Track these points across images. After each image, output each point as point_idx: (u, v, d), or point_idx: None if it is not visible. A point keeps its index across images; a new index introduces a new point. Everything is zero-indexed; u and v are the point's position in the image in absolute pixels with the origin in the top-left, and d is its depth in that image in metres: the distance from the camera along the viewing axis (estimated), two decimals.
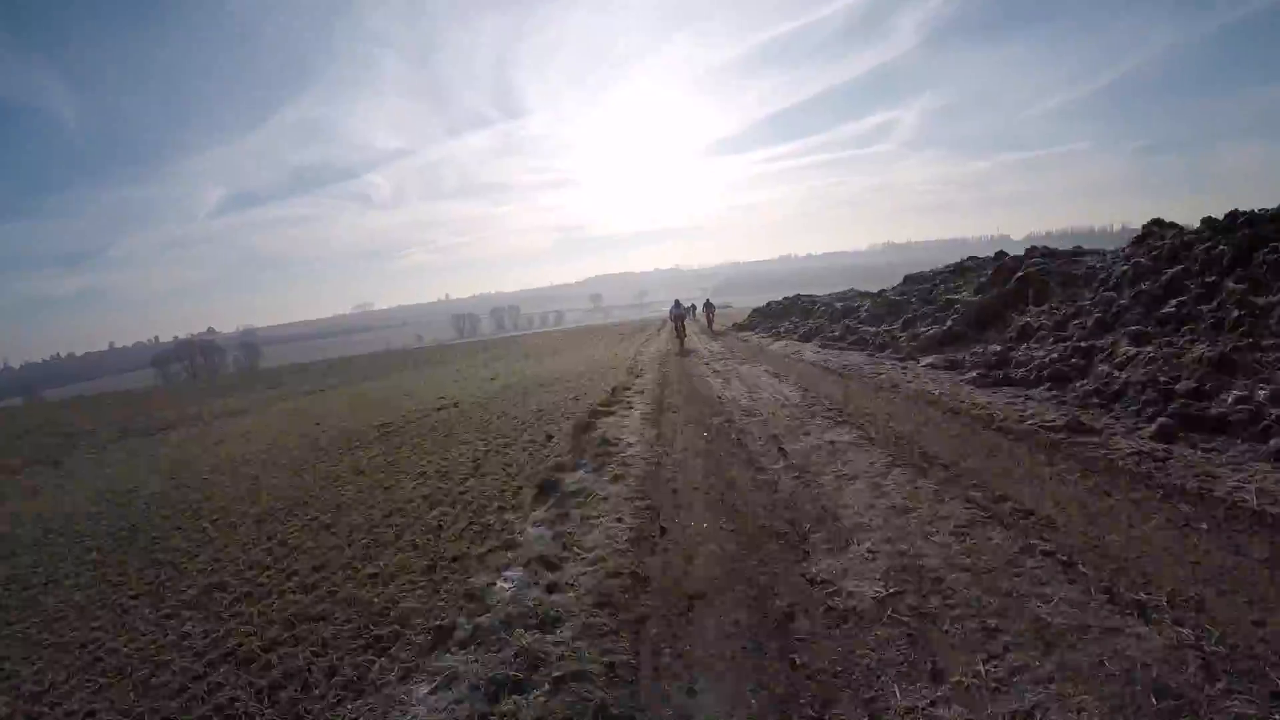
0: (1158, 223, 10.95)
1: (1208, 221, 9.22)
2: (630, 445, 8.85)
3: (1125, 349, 8.10)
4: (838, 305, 26.89)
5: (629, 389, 15.36)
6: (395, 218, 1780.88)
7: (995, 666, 3.19)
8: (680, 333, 30.84)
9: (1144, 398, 6.93)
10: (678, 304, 32.58)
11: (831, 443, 8.05)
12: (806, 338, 23.85)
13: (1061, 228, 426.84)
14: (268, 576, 6.29)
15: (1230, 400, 6.15)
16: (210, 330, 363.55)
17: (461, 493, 7.97)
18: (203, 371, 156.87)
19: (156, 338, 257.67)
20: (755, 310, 40.09)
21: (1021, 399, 8.55)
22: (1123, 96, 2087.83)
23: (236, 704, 4.09)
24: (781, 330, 28.97)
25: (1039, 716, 2.84)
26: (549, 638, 3.93)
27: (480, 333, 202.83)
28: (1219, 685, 2.89)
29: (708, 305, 42.88)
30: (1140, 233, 11.26)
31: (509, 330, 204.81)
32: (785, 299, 37.17)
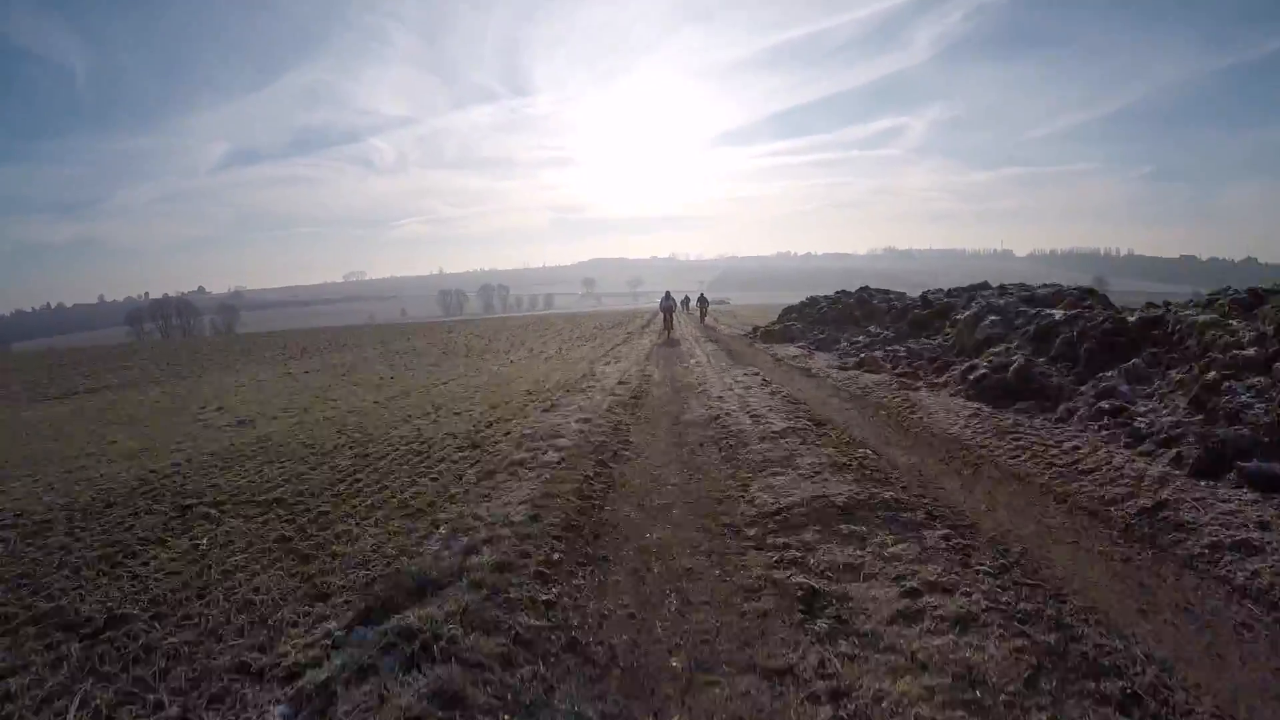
0: None
1: None
2: None
3: None
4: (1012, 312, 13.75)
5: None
6: (395, 184, 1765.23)
7: None
8: (668, 325, 31.21)
9: None
10: (668, 295, 32.51)
11: None
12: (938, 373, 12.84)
13: (1066, 247, 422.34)
14: None
15: None
16: (200, 289, 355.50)
17: None
18: (176, 332, 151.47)
19: (147, 293, 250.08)
20: (790, 310, 29.79)
21: None
22: (1130, 123, 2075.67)
23: None
24: (847, 347, 19.15)
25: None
26: None
27: (466, 311, 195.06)
28: None
29: (701, 299, 40.85)
30: None
31: (496, 311, 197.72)
32: (839, 294, 26.32)
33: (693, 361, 19.00)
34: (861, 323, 21.16)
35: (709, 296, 43.50)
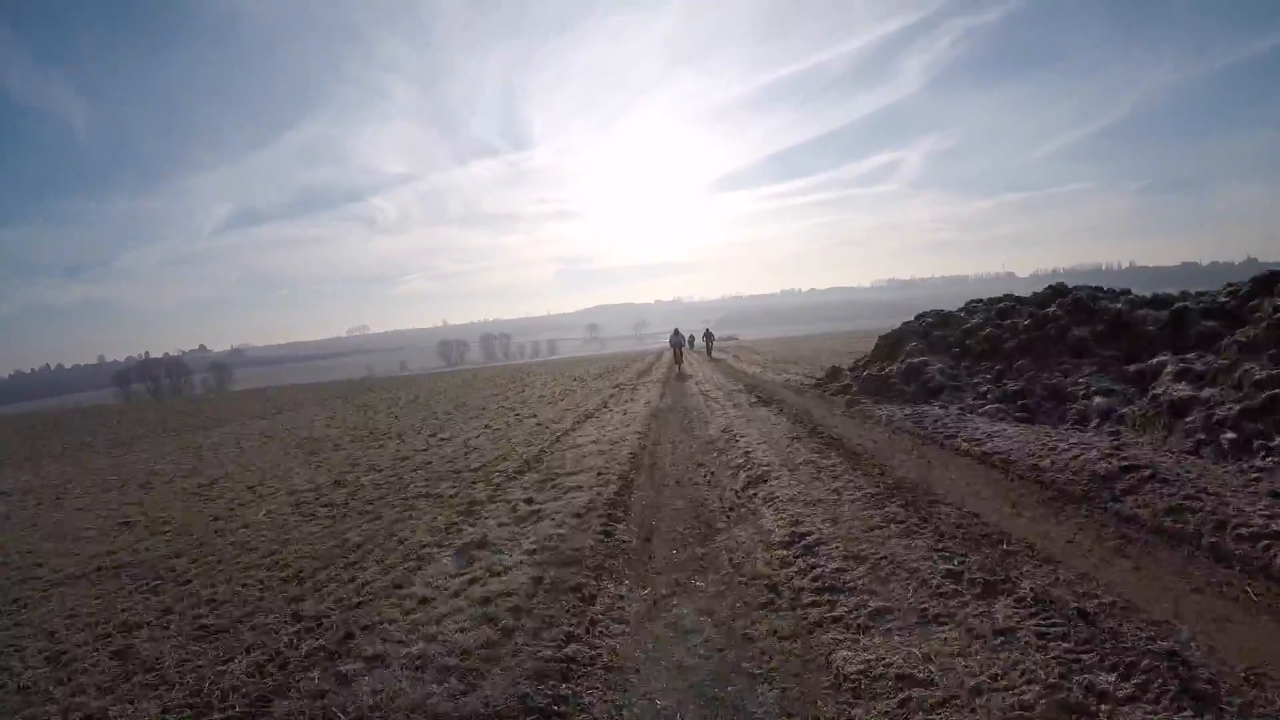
0: None
1: None
2: None
3: None
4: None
5: None
6: (399, 243, 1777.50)
7: None
8: (678, 359, 31.42)
9: None
10: (677, 332, 32.59)
11: None
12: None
13: (1069, 265, 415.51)
14: None
15: None
16: (202, 347, 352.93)
17: None
18: (167, 392, 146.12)
19: (147, 353, 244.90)
20: (904, 335, 14.61)
21: None
22: (1124, 138, 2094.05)
23: None
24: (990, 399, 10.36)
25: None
26: None
27: (468, 360, 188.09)
28: None
29: (707, 334, 41.68)
30: None
31: (498, 359, 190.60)
32: (1006, 302, 14.09)
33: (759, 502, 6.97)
34: (1094, 349, 10.27)
35: (715, 333, 43.97)
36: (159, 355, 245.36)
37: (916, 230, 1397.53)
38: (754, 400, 14.16)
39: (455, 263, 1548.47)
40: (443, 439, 13.55)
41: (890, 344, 14.21)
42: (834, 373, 16.17)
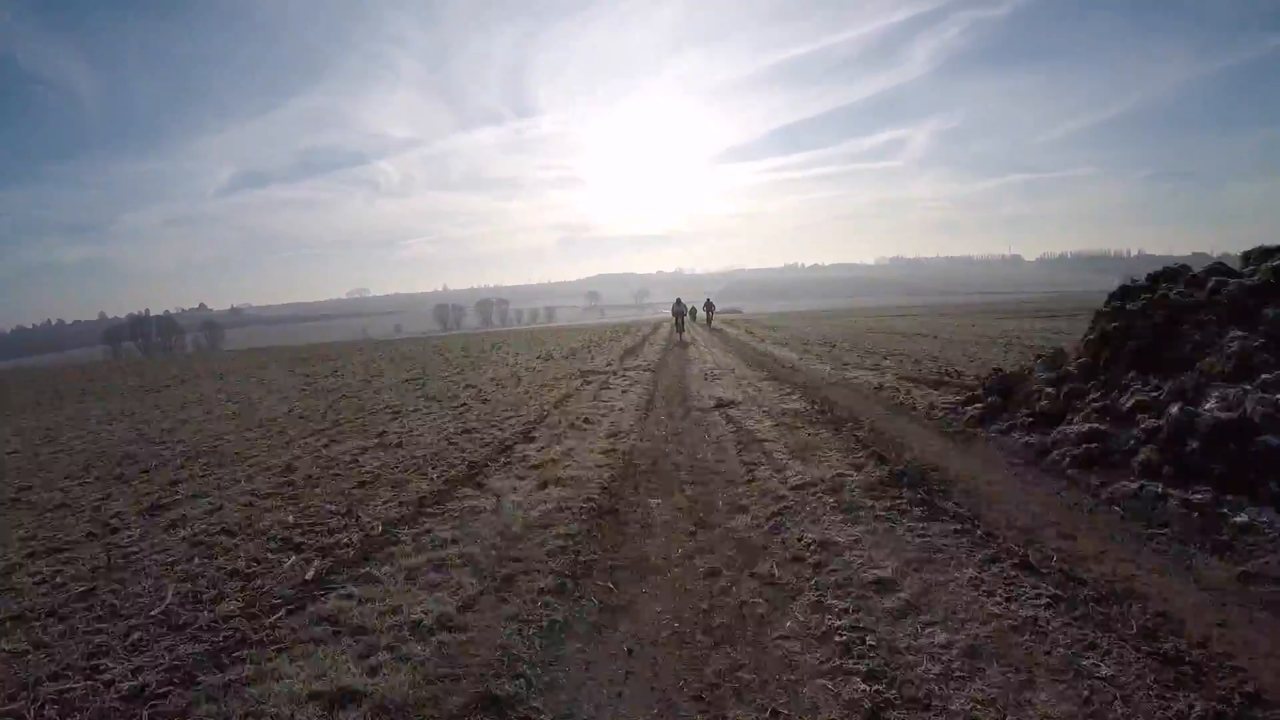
0: None
1: None
2: None
3: None
4: None
5: None
6: (402, 206, 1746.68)
7: None
8: (680, 327, 32.08)
9: None
10: (679, 302, 34.08)
11: None
12: None
13: (1076, 249, 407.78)
14: None
15: None
16: (202, 306, 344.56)
17: None
18: (158, 349, 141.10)
19: (147, 310, 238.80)
20: (1127, 324, 6.85)
21: None
22: (1131, 128, 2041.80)
23: None
24: None
25: None
26: None
27: (464, 326, 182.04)
28: None
29: (708, 305, 43.21)
30: None
31: (494, 325, 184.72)
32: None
33: None
34: None
35: (716, 304, 45.50)
36: (159, 313, 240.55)
37: (920, 207, 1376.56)
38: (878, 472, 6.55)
39: (458, 228, 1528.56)
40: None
41: (1096, 332, 7.38)
42: (1005, 386, 8.06)
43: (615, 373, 14.45)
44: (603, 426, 8.70)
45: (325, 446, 8.62)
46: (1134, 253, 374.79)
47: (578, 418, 9.28)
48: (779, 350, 19.58)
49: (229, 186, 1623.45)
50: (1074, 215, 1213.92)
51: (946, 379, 11.31)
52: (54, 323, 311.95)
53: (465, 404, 11.53)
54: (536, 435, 8.39)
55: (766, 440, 7.40)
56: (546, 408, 10.39)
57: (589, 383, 13.19)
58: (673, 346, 23.34)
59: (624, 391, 11.86)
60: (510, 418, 9.75)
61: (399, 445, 8.42)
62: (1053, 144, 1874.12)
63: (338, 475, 7.01)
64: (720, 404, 10.08)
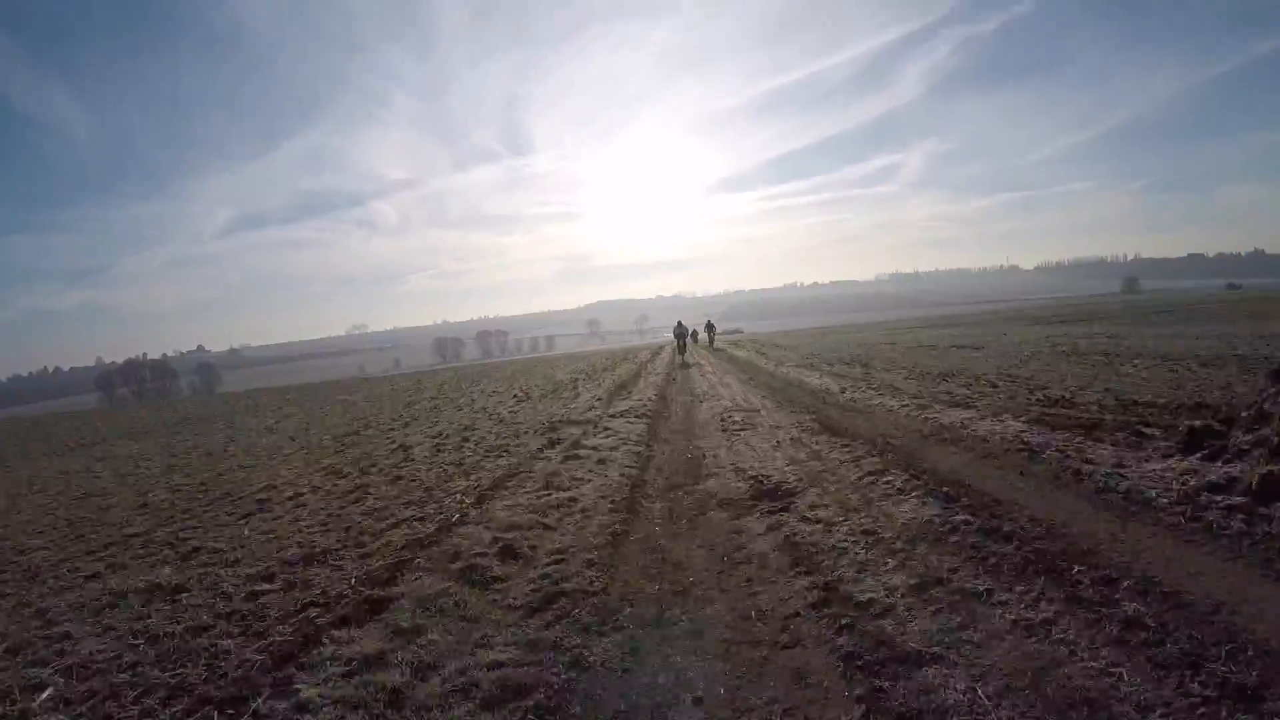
0: None
1: None
2: None
3: None
4: None
5: None
6: (400, 244, 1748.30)
7: None
8: (681, 349, 31.96)
9: None
10: (680, 324, 34.68)
11: None
12: None
13: (1074, 258, 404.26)
14: None
15: None
16: (200, 348, 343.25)
17: None
18: (152, 394, 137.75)
19: (144, 354, 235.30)
20: None
21: None
22: (1124, 141, 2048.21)
23: None
24: None
25: None
26: None
27: (464, 358, 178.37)
28: None
29: (709, 326, 41.96)
30: None
31: (494, 355, 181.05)
32: None
33: None
34: None
35: (717, 325, 43.96)
36: (156, 356, 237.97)
37: (915, 228, 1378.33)
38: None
39: (456, 262, 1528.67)
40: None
41: None
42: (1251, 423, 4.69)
43: (596, 423, 10.31)
44: (524, 582, 4.30)
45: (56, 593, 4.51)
46: (1130, 257, 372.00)
47: (489, 548, 4.91)
48: (808, 376, 15.40)
49: (227, 228, 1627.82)
50: (1070, 228, 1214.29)
51: (1089, 416, 7.17)
52: (51, 370, 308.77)
53: (358, 489, 7.38)
54: (374, 617, 4.11)
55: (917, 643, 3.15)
56: (455, 512, 6.01)
57: (554, 444, 8.97)
58: (675, 377, 19.36)
59: (600, 462, 7.59)
60: (368, 547, 5.39)
61: (173, 595, 4.33)
62: (1046, 161, 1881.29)
63: None
64: (760, 490, 5.85)
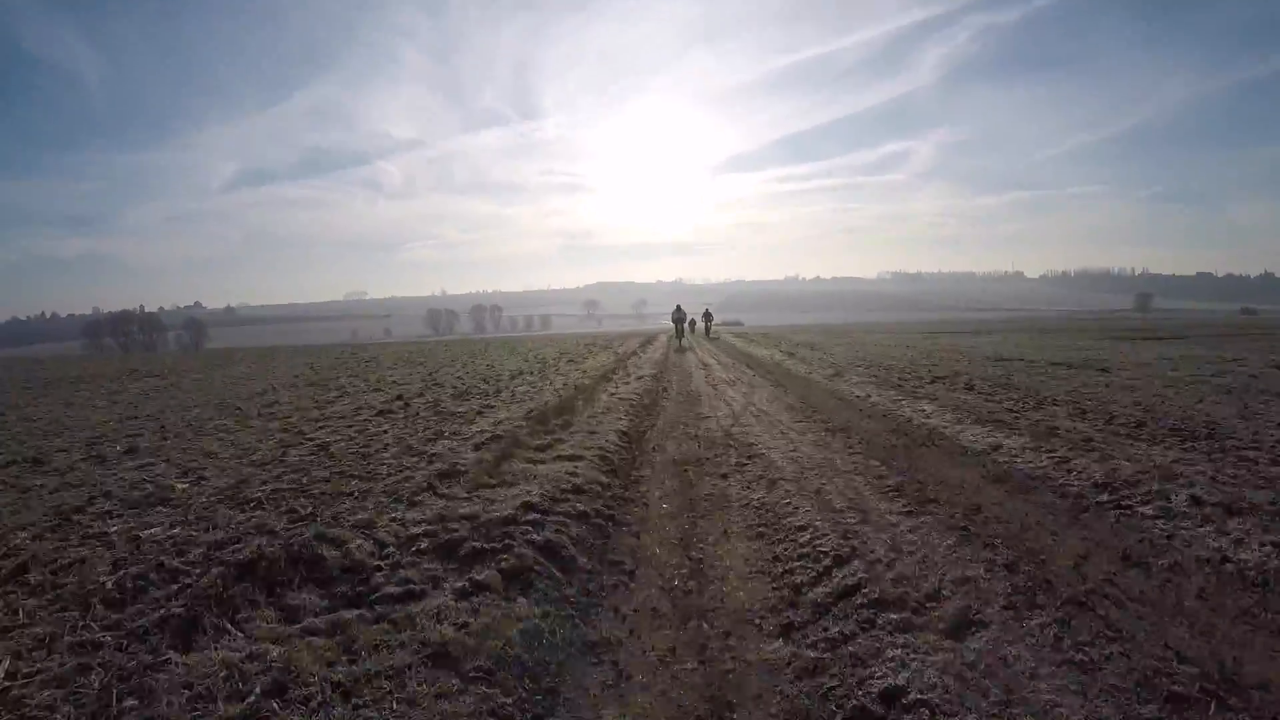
0: None
1: None
2: None
3: None
4: None
5: None
6: (405, 208, 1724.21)
7: None
8: (679, 334, 33.24)
9: None
10: (679, 309, 34.78)
11: None
12: None
13: (1080, 268, 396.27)
14: None
15: None
16: (197, 304, 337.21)
17: None
18: (138, 346, 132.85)
19: (142, 306, 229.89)
20: None
21: None
22: (1135, 145, 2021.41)
23: None
24: None
25: None
26: None
27: (456, 331, 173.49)
28: None
29: (706, 315, 41.87)
30: None
31: (487, 331, 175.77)
32: None
33: None
34: None
35: (715, 315, 43.72)
36: (153, 309, 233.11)
37: (922, 222, 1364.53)
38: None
39: (459, 232, 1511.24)
40: None
41: None
42: None
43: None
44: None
45: None
46: (1138, 271, 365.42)
47: None
48: (914, 409, 9.50)
49: (232, 183, 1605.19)
50: (1076, 233, 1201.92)
51: None
52: (48, 315, 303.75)
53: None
54: None
55: None
56: None
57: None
58: (670, 379, 13.77)
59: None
60: None
61: None
62: (1056, 160, 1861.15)
63: None
64: None
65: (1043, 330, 40.26)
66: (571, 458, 6.13)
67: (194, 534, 4.09)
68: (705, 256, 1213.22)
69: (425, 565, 3.63)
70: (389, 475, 5.44)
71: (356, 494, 4.89)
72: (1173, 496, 4.44)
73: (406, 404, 9.85)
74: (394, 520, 4.24)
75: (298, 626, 2.96)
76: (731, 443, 7.51)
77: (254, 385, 14.81)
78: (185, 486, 5.28)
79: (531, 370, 15.28)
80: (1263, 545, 3.60)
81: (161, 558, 3.63)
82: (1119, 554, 3.69)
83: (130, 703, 2.42)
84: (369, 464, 5.91)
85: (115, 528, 4.28)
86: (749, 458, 6.69)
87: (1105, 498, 4.63)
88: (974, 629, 2.91)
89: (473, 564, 3.64)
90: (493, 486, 5.09)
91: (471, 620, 3.01)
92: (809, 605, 3.33)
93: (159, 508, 4.74)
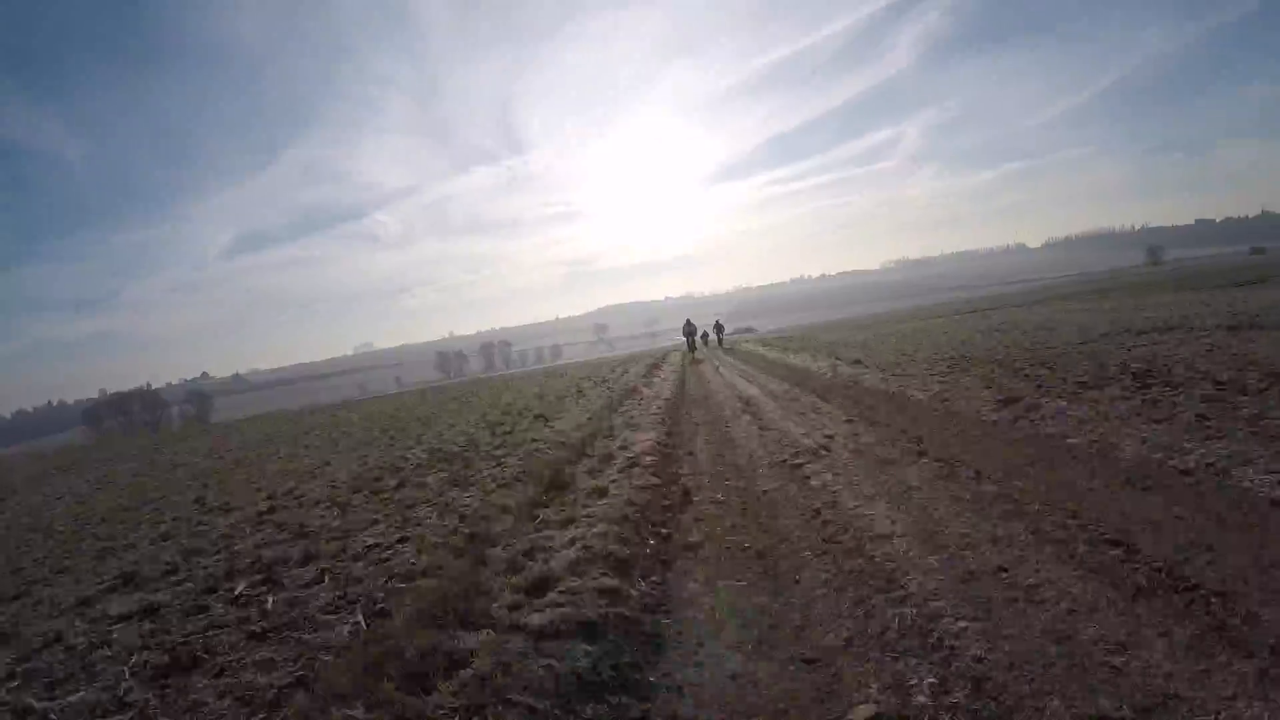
0: None
1: None
2: None
3: None
4: None
5: None
6: (404, 256, 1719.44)
7: None
8: (691, 348, 32.99)
9: None
10: (689, 323, 34.69)
11: None
12: None
13: (1080, 231, 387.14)
14: None
15: None
16: (204, 375, 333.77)
17: None
18: (142, 426, 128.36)
19: (149, 384, 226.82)
20: None
21: None
22: (1121, 101, 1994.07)
23: None
24: None
25: None
26: None
27: (466, 372, 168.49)
28: None
29: (717, 326, 41.24)
30: None
31: (498, 368, 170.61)
32: None
33: None
34: None
35: (726, 325, 42.88)
36: (160, 385, 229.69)
37: (918, 206, 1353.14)
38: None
39: (462, 272, 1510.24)
40: None
41: None
42: None
43: None
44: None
45: None
46: (1137, 226, 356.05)
47: None
48: None
49: (230, 249, 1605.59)
50: (1074, 197, 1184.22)
51: None
52: (54, 403, 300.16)
53: None
54: None
55: None
56: None
57: None
58: (696, 448, 7.73)
59: None
60: None
61: None
62: (1045, 125, 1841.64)
63: None
64: None
65: (1097, 293, 34.01)
66: None
67: None
68: (709, 268, 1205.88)
69: None
70: None
71: None
72: None
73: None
74: None
75: None
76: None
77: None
78: None
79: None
80: None
81: None
82: None
83: None
84: None
85: None
86: None
87: None
88: None
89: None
90: None
91: None
92: None
93: None
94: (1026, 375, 8.55)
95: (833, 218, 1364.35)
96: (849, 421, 7.71)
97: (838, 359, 15.15)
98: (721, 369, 18.94)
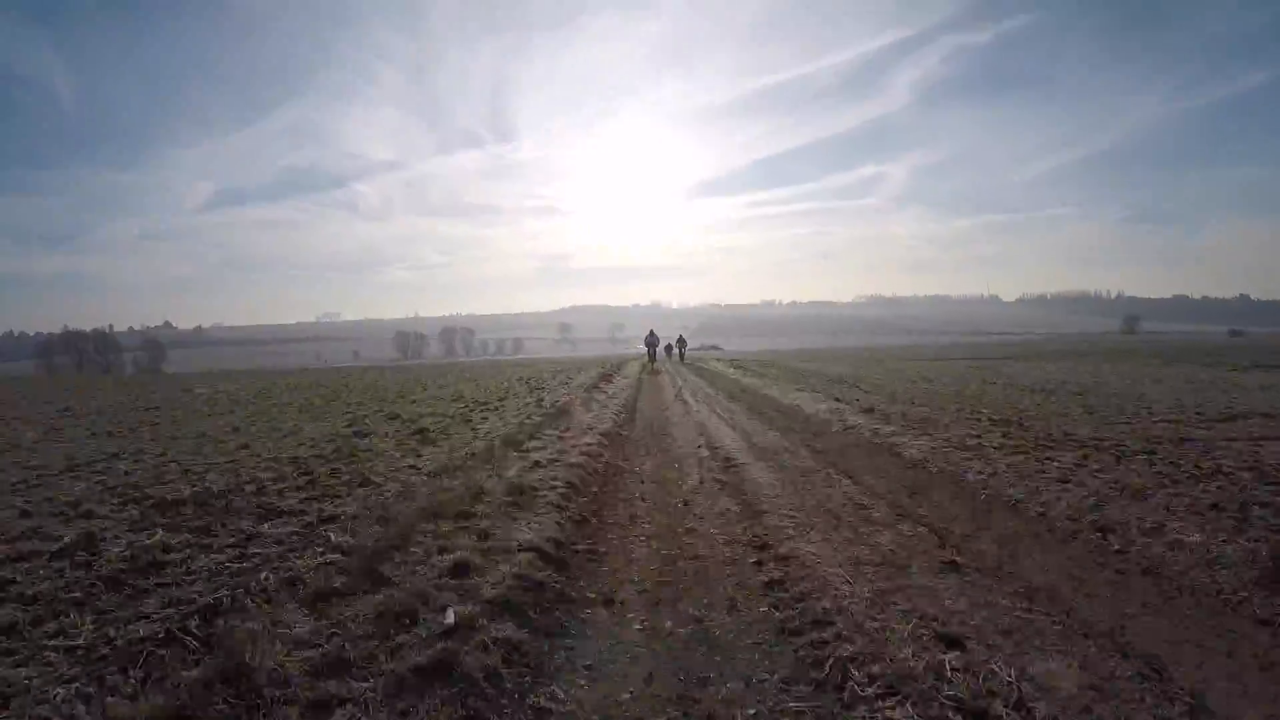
0: None
1: None
2: None
3: None
4: None
5: None
6: (381, 230, 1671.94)
7: None
8: (652, 358, 33.94)
9: None
10: (652, 333, 35.57)
11: None
12: None
13: (1056, 291, 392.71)
14: None
15: None
16: (167, 324, 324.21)
17: None
18: (93, 367, 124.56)
19: (111, 326, 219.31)
20: None
21: None
22: (1107, 167, 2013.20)
23: None
24: None
25: None
26: None
27: (425, 355, 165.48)
28: None
29: (680, 340, 41.09)
30: None
31: (458, 355, 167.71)
32: None
33: None
34: None
35: (689, 340, 43.45)
36: (123, 329, 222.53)
37: (897, 246, 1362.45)
38: None
39: (436, 254, 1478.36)
40: None
41: None
42: None
43: None
44: None
45: None
46: (1114, 294, 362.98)
47: None
48: None
49: (208, 203, 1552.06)
50: (1051, 255, 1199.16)
51: None
52: (16, 334, 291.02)
53: None
54: None
55: None
56: None
57: None
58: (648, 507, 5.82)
59: None
60: None
61: None
62: (1029, 183, 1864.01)
63: None
64: None
65: (1084, 356, 32.88)
66: None
67: None
68: (681, 280, 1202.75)
69: None
70: None
71: None
72: None
73: None
74: None
75: None
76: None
77: None
78: None
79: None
80: None
81: None
82: None
83: None
84: None
85: None
86: None
87: None
88: None
89: None
90: None
91: None
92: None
93: None
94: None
95: (811, 246, 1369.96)
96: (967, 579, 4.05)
97: (838, 400, 13.16)
98: (685, 392, 16.91)
